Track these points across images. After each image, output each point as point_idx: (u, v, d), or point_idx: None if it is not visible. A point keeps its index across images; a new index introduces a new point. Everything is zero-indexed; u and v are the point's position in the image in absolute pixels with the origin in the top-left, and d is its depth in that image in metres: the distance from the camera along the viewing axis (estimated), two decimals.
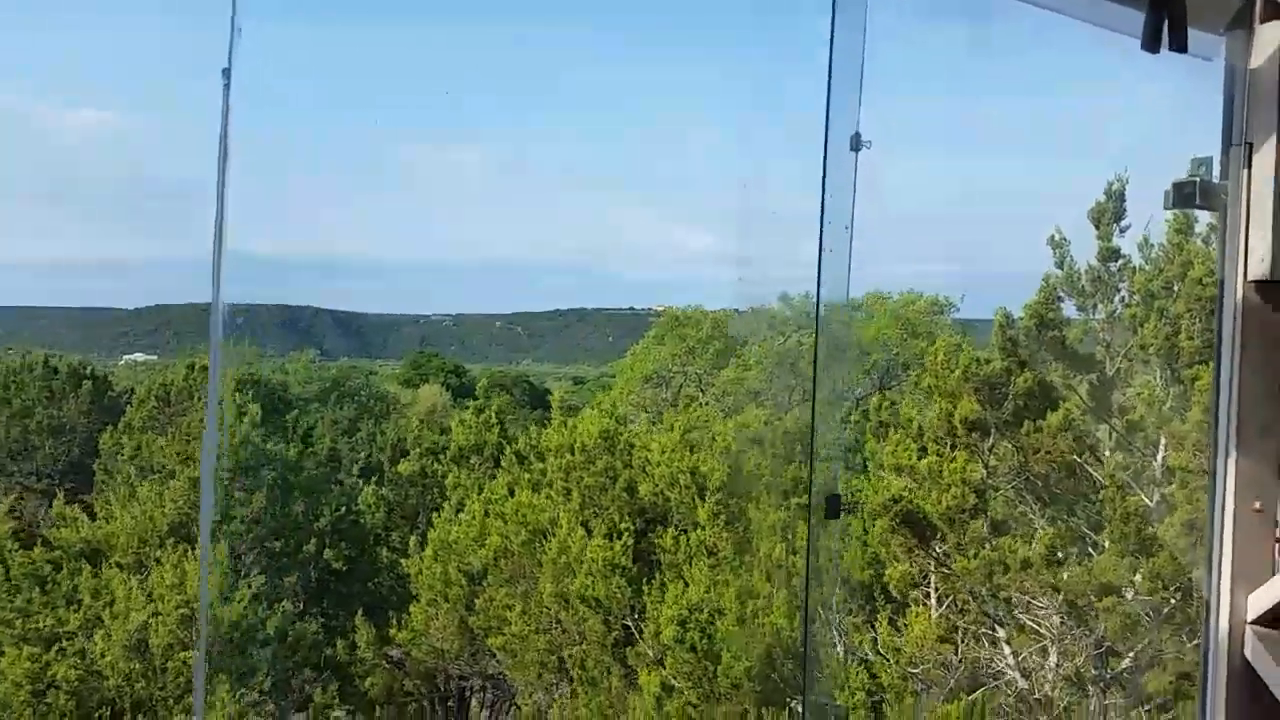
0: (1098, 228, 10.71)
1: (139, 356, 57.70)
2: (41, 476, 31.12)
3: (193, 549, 15.56)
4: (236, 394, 27.55)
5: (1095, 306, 10.97)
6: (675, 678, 11.58)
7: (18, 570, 15.50)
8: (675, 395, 32.19)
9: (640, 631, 12.81)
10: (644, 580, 13.22)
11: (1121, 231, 10.75)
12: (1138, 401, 10.24)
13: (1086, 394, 10.45)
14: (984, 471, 10.70)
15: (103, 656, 13.23)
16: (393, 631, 17.72)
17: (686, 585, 12.28)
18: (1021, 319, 10.62)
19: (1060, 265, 11.28)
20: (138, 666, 13.42)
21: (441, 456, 20.64)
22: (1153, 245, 10.56)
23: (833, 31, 4.72)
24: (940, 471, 10.66)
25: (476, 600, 16.47)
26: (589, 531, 15.67)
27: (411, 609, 17.85)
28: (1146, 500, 10.48)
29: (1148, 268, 10.55)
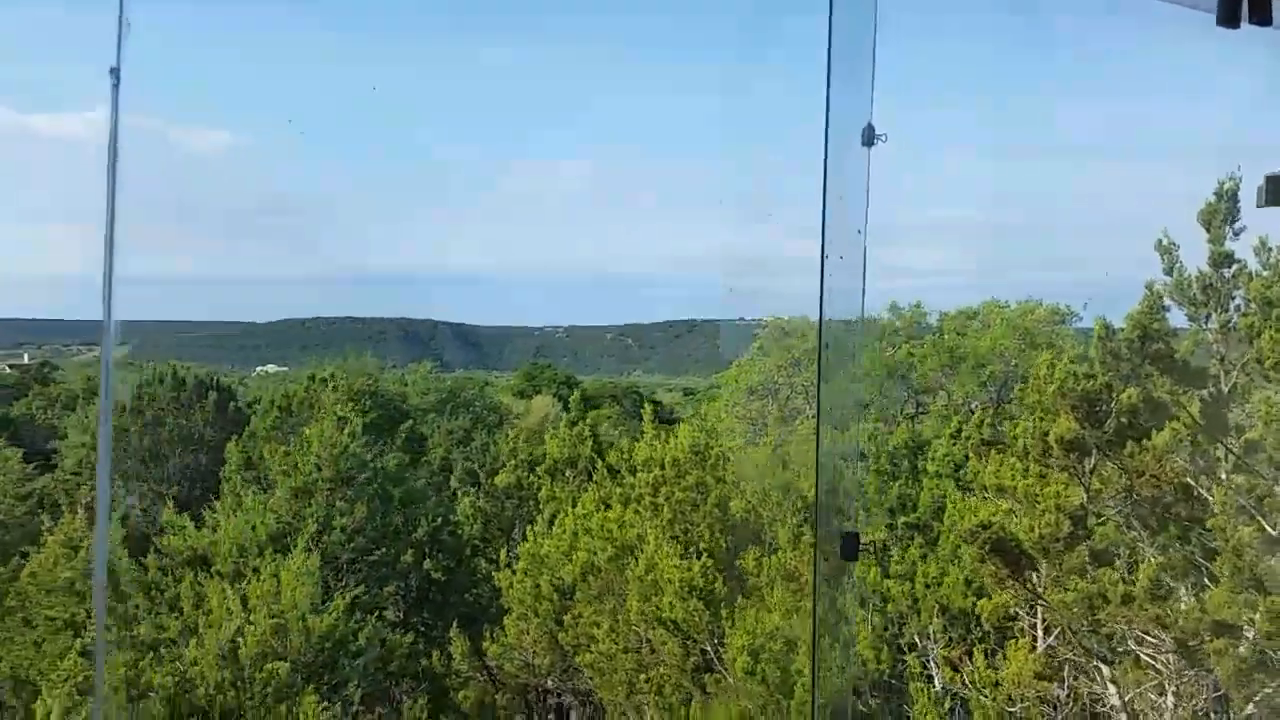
0: (1208, 230, 9.84)
1: (270, 368, 59.90)
2: (172, 484, 32.48)
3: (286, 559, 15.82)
4: (350, 404, 28.20)
5: (1208, 316, 10.09)
6: (752, 710, 11.13)
7: (125, 577, 16.03)
8: (782, 407, 31.56)
9: (720, 657, 12.39)
10: (723, 603, 12.80)
11: (1235, 234, 9.87)
12: (1256, 419, 9.34)
13: (1198, 411, 9.59)
14: (1084, 495, 9.93)
15: (194, 664, 13.50)
16: (485, 644, 17.71)
17: (765, 610, 11.81)
18: (1122, 330, 9.83)
19: (1169, 272, 10.43)
20: (228, 675, 13.65)
21: (537, 469, 20.58)
22: (1270, 249, 9.64)
23: (831, 16, 4.25)
24: (1035, 495, 9.94)
25: (565, 616, 16.30)
26: (685, 549, 15.31)
27: (505, 622, 17.81)
28: (1269, 529, 9.55)
29: (1265, 273, 9.63)
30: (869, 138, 4.60)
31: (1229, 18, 2.76)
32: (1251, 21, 2.78)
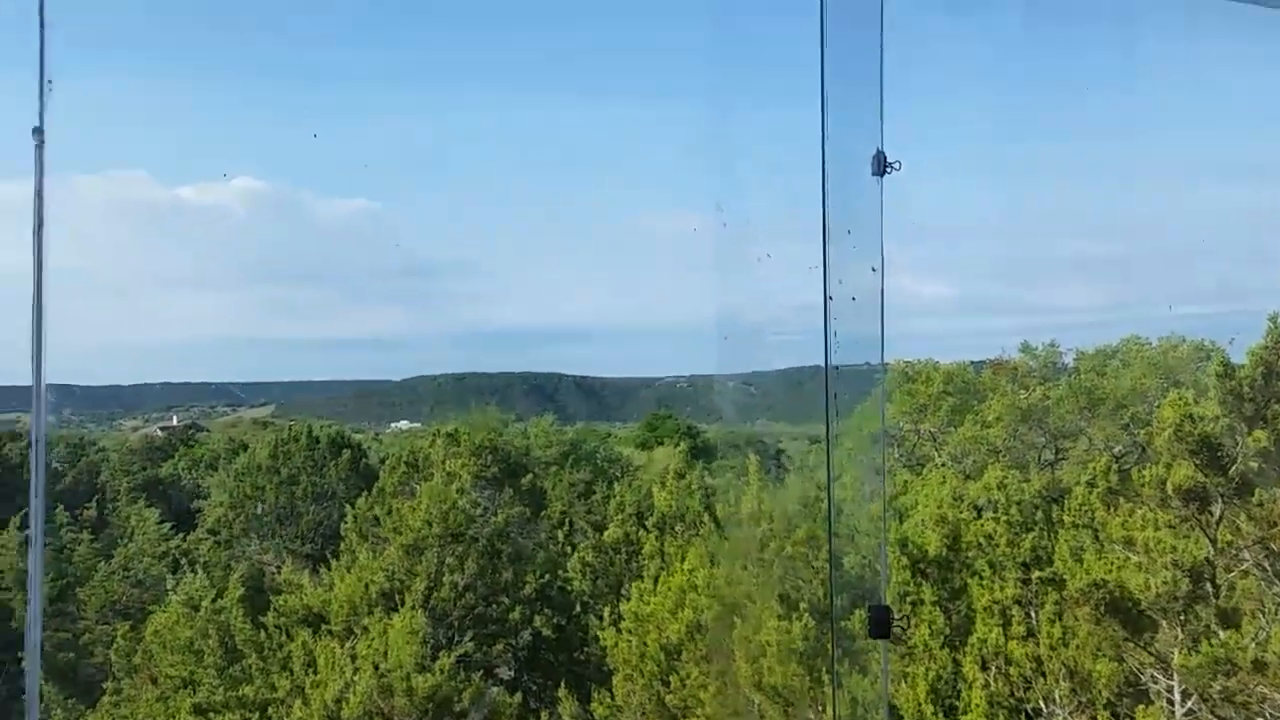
0: None
1: (404, 424, 61.42)
2: (305, 540, 33.43)
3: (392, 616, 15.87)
4: (473, 459, 28.52)
5: None
6: None
7: (240, 636, 16.36)
8: (909, 455, 30.46)
9: None
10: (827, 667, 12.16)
11: None
12: None
13: None
14: (1209, 549, 9.02)
15: None
16: (593, 706, 17.35)
17: (864, 675, 11.14)
18: (1243, 367, 8.95)
19: None
20: None
21: (646, 521, 20.24)
22: None
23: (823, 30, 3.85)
24: (1150, 549, 9.08)
25: (671, 678, 15.83)
26: (790, 608, 14.72)
27: (613, 681, 17.44)
28: None
29: None
30: (880, 166, 4.13)
31: None
32: None
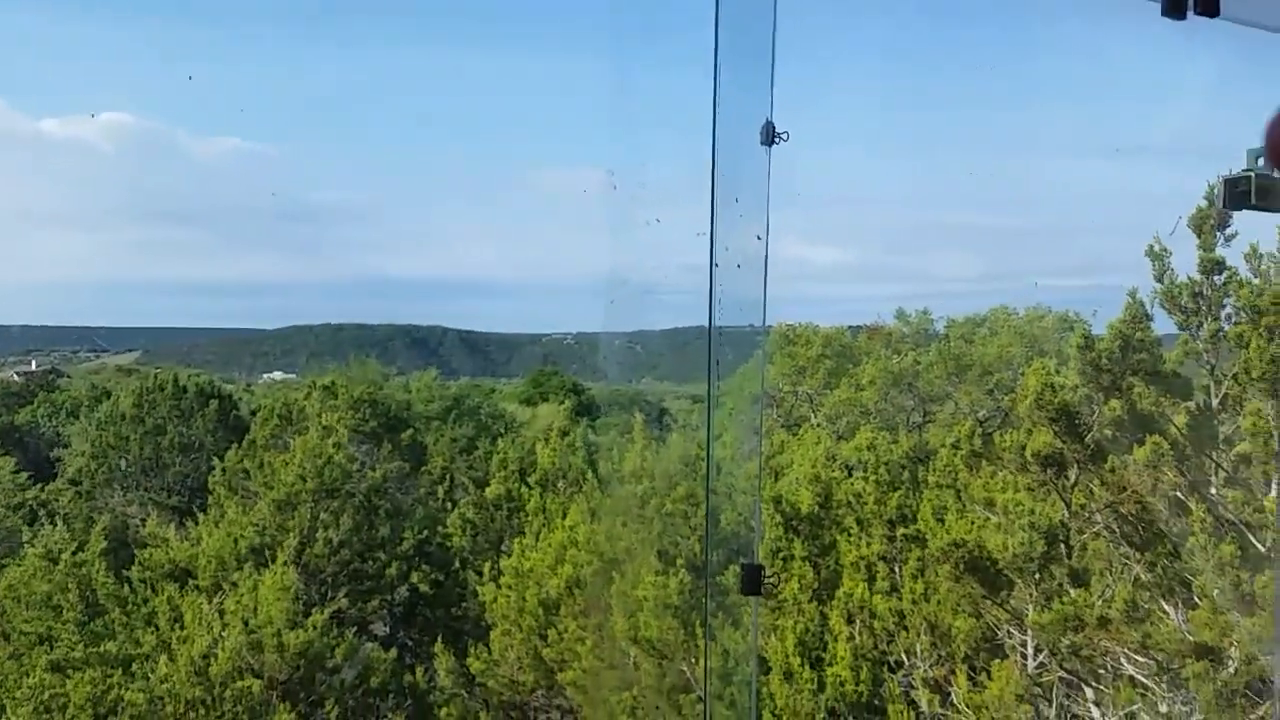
0: (1198, 236, 9.41)
1: (278, 375, 59.92)
2: (171, 493, 32.33)
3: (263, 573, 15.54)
4: (351, 412, 27.96)
5: (1199, 325, 9.65)
6: None
7: (103, 592, 15.78)
8: (787, 416, 31.14)
9: (695, 677, 12.00)
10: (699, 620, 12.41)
11: (1227, 241, 9.43)
12: (1246, 432, 8.90)
13: (1185, 423, 9.15)
14: (1064, 512, 9.50)
15: (163, 682, 13.22)
16: (470, 661, 17.36)
17: (736, 629, 11.41)
18: (1102, 339, 9.40)
19: (1160, 278, 9.99)
20: (199, 692, 13.37)
21: (529, 478, 20.24)
22: (1260, 255, 9.20)
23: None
24: (1009, 511, 9.52)
25: (549, 632, 15.94)
26: (668, 565, 14.94)
27: (490, 636, 17.47)
28: (1260, 547, 9.09)
29: (1256, 280, 9.19)
30: (769, 136, 4.18)
31: (1174, 8, 2.49)
32: (1197, 12, 2.52)
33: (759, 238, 4.32)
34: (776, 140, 4.11)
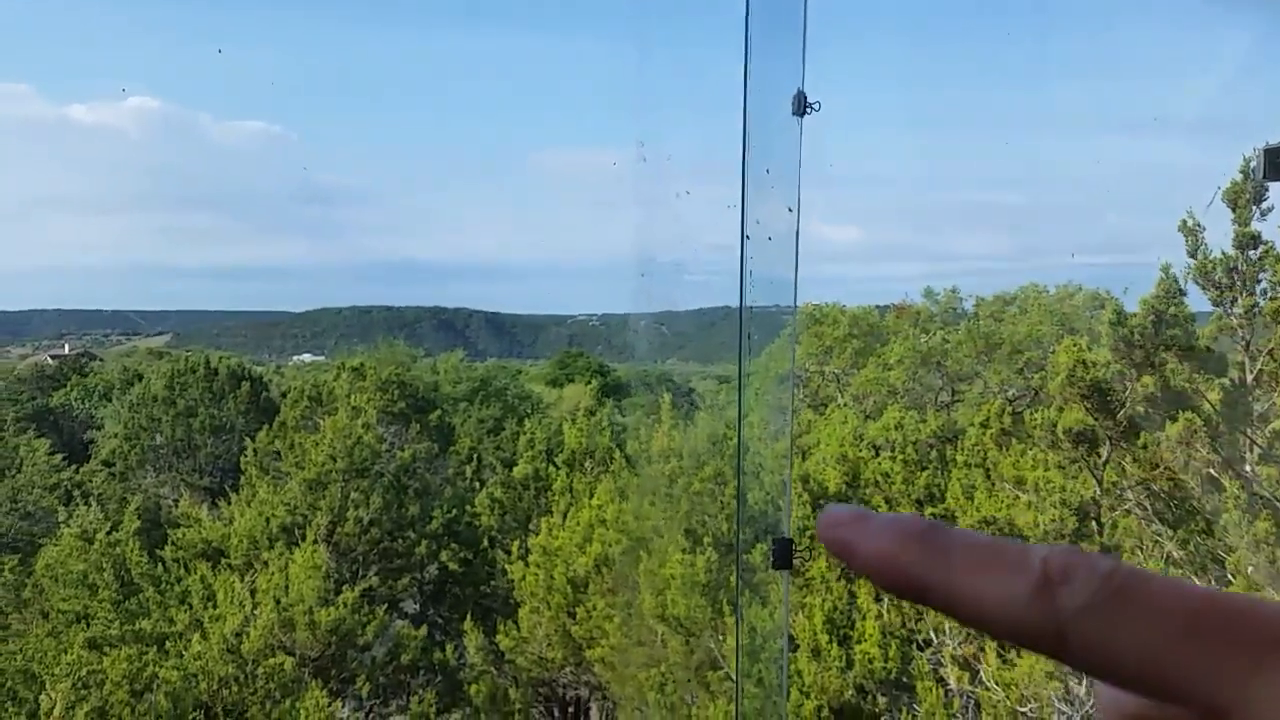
0: (1234, 210, 9.25)
1: (307, 357, 60.31)
2: (203, 474, 32.70)
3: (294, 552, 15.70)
4: (379, 394, 28.11)
5: (1233, 300, 9.51)
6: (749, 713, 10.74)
7: (137, 571, 15.99)
8: (813, 396, 31.04)
9: (724, 655, 12.04)
10: (728, 600, 12.44)
11: (1263, 215, 9.27)
12: None
13: (1219, 400, 9.04)
14: (1096, 489, 9.42)
15: (196, 659, 13.40)
16: (499, 638, 17.49)
17: (764, 606, 11.43)
18: (1134, 316, 9.28)
19: (1193, 254, 9.84)
20: (231, 670, 13.54)
21: (556, 458, 20.31)
22: None
23: None
24: (1040, 488, 9.44)
25: (577, 610, 16.03)
26: (695, 543, 14.97)
27: (519, 614, 17.58)
28: None
29: None
30: (800, 106, 4.14)
31: None
32: None
33: (790, 209, 4.28)
34: (808, 110, 4.07)
